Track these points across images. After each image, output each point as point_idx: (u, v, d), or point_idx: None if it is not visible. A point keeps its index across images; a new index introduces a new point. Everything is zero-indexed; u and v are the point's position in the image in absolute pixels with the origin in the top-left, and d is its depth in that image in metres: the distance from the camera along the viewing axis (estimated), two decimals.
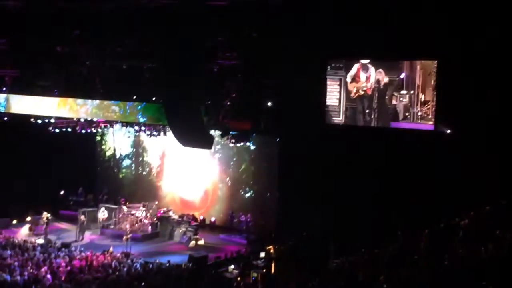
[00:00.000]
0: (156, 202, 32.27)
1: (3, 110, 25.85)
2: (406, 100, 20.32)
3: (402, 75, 20.32)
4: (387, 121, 20.84)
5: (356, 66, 21.13)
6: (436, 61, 19.94)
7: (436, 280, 12.26)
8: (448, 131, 21.14)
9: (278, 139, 29.00)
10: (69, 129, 29.67)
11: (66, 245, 25.58)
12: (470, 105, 19.88)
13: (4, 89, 25.44)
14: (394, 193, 23.12)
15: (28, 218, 30.60)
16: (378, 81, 20.68)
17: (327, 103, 21.74)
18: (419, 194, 22.43)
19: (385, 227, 20.40)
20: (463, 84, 19.89)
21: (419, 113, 20.18)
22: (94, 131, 32.60)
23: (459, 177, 21.22)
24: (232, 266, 24.57)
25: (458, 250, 14.11)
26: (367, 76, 20.94)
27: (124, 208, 30.88)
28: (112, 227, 30.35)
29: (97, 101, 23.80)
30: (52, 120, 28.39)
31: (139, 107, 23.61)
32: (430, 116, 20.10)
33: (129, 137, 35.30)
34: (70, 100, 24.21)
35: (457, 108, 20.41)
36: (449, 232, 16.14)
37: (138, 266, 22.21)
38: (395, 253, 15.70)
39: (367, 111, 21.15)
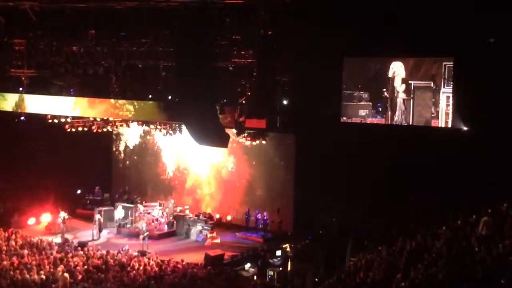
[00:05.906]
0: (173, 201, 32.31)
1: None
2: None
3: None
4: None
5: None
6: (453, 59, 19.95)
7: (454, 277, 12.19)
8: (465, 128, 21.06)
9: (294, 137, 29.00)
10: (86, 129, 29.72)
11: (82, 244, 25.68)
12: (488, 102, 19.80)
13: (21, 89, 25.56)
14: (410, 191, 23.05)
15: (45, 217, 30.75)
16: None
17: None
18: (436, 191, 22.35)
19: (402, 225, 20.33)
20: (480, 81, 19.81)
21: None
22: (111, 130, 32.68)
23: (476, 174, 21.13)
24: (249, 265, 24.56)
25: (475, 247, 14.03)
26: None
27: (141, 207, 30.97)
28: (128, 226, 30.43)
29: (113, 100, 23.86)
30: (69, 120, 28.47)
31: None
32: None
33: (144, 136, 35.35)
34: (86, 99, 24.27)
35: (474, 106, 20.32)
36: (466, 229, 16.06)
37: (154, 265, 22.25)
38: (412, 251, 15.61)
39: None
